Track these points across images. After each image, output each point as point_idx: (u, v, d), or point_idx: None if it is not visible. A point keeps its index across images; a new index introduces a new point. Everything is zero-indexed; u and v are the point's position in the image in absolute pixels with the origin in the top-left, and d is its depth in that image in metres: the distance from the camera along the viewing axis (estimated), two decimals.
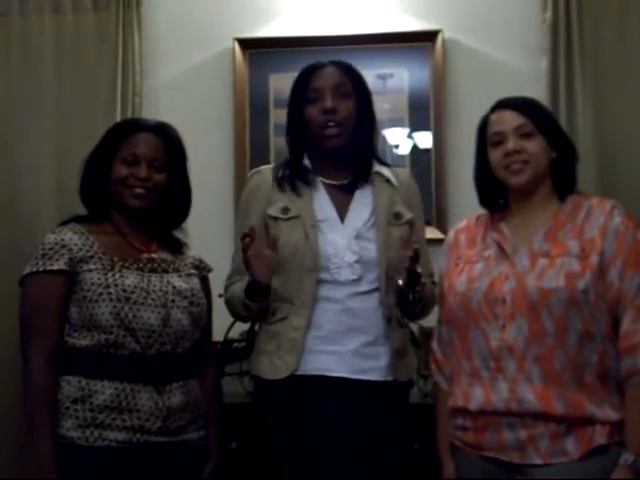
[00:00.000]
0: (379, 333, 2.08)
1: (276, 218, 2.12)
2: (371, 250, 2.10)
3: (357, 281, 2.07)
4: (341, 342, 2.05)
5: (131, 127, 2.12)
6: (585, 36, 3.07)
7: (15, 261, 2.63)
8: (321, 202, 2.14)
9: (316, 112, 2.11)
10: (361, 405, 2.03)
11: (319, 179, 2.16)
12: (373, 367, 2.06)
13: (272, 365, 2.07)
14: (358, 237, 2.10)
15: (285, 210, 2.12)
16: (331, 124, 2.09)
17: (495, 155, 1.96)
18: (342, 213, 2.14)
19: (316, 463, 2.00)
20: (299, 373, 2.04)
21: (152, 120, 2.18)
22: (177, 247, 2.16)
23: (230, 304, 2.17)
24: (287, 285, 2.08)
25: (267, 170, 2.22)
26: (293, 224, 2.10)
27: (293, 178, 2.15)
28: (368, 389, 2.05)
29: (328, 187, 2.16)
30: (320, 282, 2.06)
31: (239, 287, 2.09)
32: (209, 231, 3.01)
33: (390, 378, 2.08)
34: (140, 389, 1.95)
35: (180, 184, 2.13)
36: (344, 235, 2.10)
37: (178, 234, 2.19)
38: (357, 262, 2.08)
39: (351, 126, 2.12)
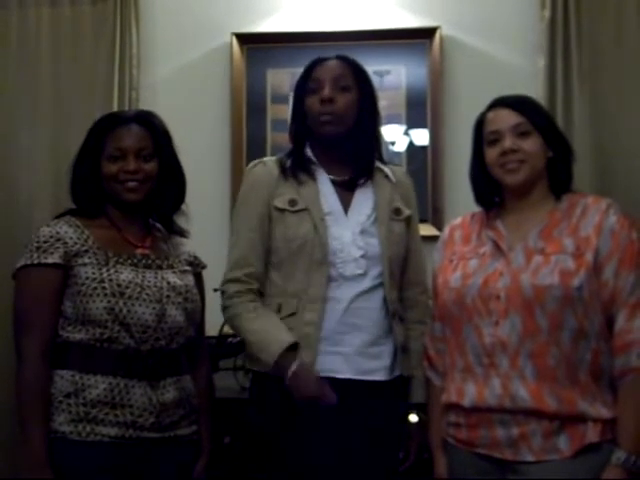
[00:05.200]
0: (381, 332, 2.07)
1: (282, 210, 2.09)
2: (375, 246, 2.09)
3: (362, 276, 2.06)
4: (344, 342, 2.03)
5: (112, 122, 2.08)
6: (583, 34, 3.08)
7: (12, 253, 2.63)
8: (326, 195, 2.12)
9: (314, 102, 2.10)
10: (367, 406, 2.02)
11: (323, 172, 2.15)
12: (378, 367, 2.06)
13: None
14: (363, 232, 2.10)
15: (292, 202, 2.09)
16: (326, 113, 2.08)
17: (491, 153, 1.96)
18: (345, 207, 2.13)
19: (323, 464, 1.98)
20: None
21: (132, 110, 2.16)
22: (180, 232, 2.17)
23: (236, 327, 2.12)
24: (293, 279, 2.06)
25: (271, 161, 2.19)
26: (301, 216, 2.08)
27: (297, 169, 2.13)
28: (374, 389, 2.04)
29: (331, 181, 2.15)
30: (327, 277, 2.05)
31: (275, 338, 2.01)
32: (205, 226, 3.00)
33: (392, 377, 2.08)
34: (134, 384, 1.95)
35: (172, 169, 2.10)
36: (349, 229, 2.09)
37: (180, 219, 2.17)
38: (363, 257, 2.07)
39: (349, 119, 2.10)
